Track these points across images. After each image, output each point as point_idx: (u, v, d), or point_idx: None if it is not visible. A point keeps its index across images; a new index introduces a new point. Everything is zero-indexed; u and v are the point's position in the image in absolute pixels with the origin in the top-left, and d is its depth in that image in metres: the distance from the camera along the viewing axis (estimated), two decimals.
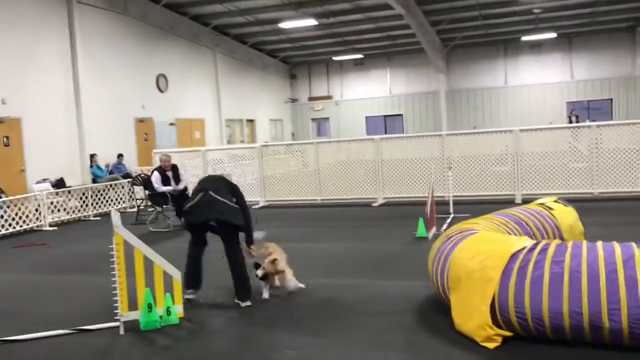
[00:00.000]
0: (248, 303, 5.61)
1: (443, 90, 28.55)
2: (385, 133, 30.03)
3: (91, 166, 16.70)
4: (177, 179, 10.59)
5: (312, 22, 22.74)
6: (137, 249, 5.22)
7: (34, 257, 8.97)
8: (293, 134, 32.40)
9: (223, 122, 24.94)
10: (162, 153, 11.52)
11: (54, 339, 5.00)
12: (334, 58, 30.72)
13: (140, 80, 19.59)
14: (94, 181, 15.88)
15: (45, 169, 15.03)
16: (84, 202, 13.18)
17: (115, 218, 5.16)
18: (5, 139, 14.27)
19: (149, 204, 11.37)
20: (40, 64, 15.47)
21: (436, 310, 5.03)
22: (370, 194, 12.78)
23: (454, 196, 11.14)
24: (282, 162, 13.87)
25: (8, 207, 11.06)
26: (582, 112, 27.73)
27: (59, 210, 12.26)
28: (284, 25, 23.15)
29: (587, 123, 14.47)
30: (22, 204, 11.46)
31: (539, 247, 4.23)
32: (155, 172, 10.49)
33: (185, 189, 10.67)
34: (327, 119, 32.67)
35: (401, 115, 31.34)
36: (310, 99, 32.78)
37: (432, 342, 4.42)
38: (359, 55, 30.51)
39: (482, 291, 4.28)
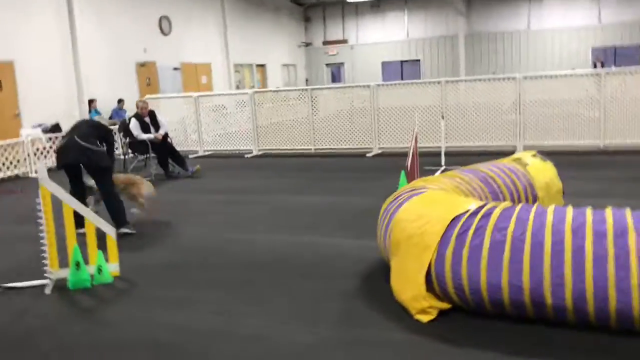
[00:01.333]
0: (126, 230, 6.33)
1: (462, 34, 27.40)
2: (402, 79, 29.09)
3: (90, 111, 16.42)
4: (157, 126, 10.21)
5: None
6: (66, 204, 4.89)
7: (7, 206, 8.78)
8: (307, 80, 31.63)
9: (231, 67, 24.32)
10: (139, 99, 11.11)
11: None
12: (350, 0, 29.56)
13: (141, 23, 19.02)
14: None
15: (42, 113, 14.78)
16: None
17: (42, 170, 4.81)
18: None
19: (130, 152, 11.02)
20: (33, 6, 14.99)
21: (384, 276, 4.62)
22: (366, 144, 12.27)
23: (448, 147, 10.61)
24: (276, 110, 13.35)
25: None
26: (609, 59, 26.33)
27: (45, 157, 12.02)
28: None
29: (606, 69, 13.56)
30: (6, 150, 11.24)
31: (482, 211, 3.76)
32: (133, 120, 10.11)
33: (166, 135, 10.31)
34: (342, 64, 31.76)
35: (419, 60, 30.27)
36: (325, 43, 31.80)
37: (367, 313, 4.03)
38: None
39: (419, 259, 3.84)
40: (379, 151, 12.14)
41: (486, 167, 5.33)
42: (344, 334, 3.75)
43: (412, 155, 7.97)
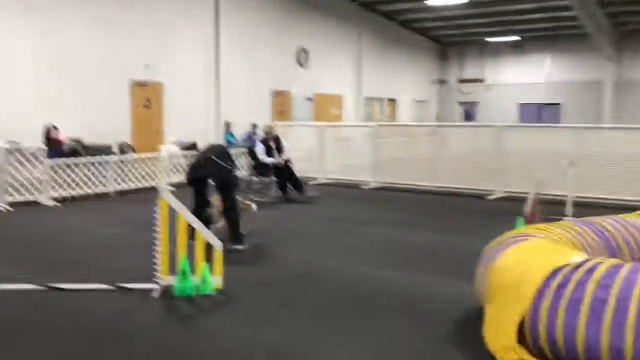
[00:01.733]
0: (240, 246, 6.73)
1: (610, 80, 25.70)
2: (540, 122, 27.82)
3: (225, 134, 17.46)
4: (281, 151, 10.61)
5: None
6: (181, 215, 5.24)
7: (140, 214, 9.52)
8: (437, 117, 31.30)
9: (362, 100, 24.74)
10: (266, 125, 11.60)
11: (93, 293, 5.20)
12: (489, 39, 29.00)
13: (280, 54, 20.02)
14: None
15: (182, 132, 15.95)
16: None
17: (162, 183, 5.21)
18: (147, 101, 15.38)
19: (254, 174, 11.51)
20: (184, 35, 16.41)
21: (479, 322, 4.41)
22: (489, 186, 11.85)
23: (576, 196, 9.94)
24: (400, 144, 13.34)
25: (133, 164, 11.84)
26: None
27: (179, 171, 12.90)
28: (433, 2, 22.23)
29: None
30: (147, 163, 12.21)
31: (586, 265, 3.50)
32: (260, 144, 10.61)
33: (288, 160, 10.67)
34: (476, 103, 31.10)
35: (558, 104, 28.83)
36: (460, 81, 31.37)
37: (454, 357, 3.88)
38: (516, 38, 28.49)
39: (513, 308, 3.65)
40: (502, 194, 11.67)
41: (605, 220, 4.96)
42: None
43: (533, 202, 7.61)
